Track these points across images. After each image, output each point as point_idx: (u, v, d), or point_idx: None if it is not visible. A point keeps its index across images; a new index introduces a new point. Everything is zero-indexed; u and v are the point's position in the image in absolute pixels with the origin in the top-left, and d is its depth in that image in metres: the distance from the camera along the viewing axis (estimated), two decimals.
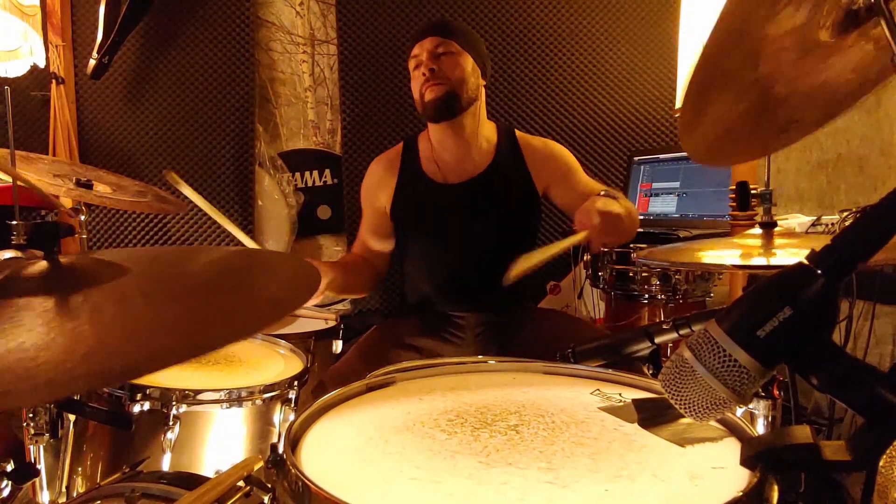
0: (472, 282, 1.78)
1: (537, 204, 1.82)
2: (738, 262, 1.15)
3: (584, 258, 2.30)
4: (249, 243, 1.66)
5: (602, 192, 1.53)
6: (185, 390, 1.18)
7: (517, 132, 1.84)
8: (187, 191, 1.54)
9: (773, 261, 1.08)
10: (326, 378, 1.60)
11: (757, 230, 1.20)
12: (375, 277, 1.87)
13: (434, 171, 1.78)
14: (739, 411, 0.80)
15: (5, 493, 0.94)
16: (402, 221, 1.82)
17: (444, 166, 1.78)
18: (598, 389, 0.98)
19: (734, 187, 1.31)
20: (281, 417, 1.29)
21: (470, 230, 1.75)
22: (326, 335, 1.97)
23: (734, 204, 1.32)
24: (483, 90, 1.78)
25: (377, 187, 1.83)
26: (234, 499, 0.86)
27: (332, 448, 0.78)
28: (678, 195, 2.36)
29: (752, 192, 1.26)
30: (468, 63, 1.71)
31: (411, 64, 1.74)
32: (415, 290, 1.86)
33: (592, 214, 1.36)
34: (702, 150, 1.00)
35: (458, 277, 1.78)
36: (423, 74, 1.68)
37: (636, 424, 0.83)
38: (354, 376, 1.01)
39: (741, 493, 0.61)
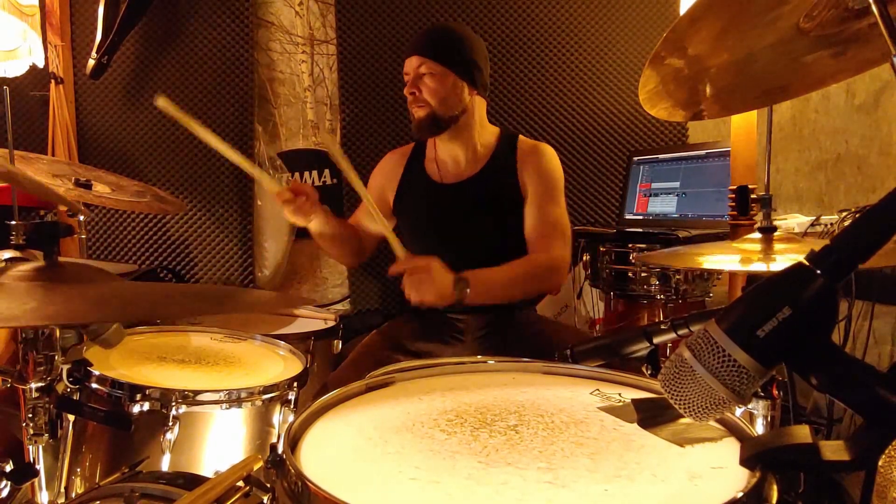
0: None
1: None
2: (738, 267, 1.15)
3: (584, 258, 2.30)
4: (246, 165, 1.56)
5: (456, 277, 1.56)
6: (184, 391, 1.18)
7: (521, 137, 1.86)
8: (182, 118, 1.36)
9: (773, 266, 1.08)
10: (329, 384, 1.61)
11: (756, 234, 1.20)
12: (360, 251, 1.92)
13: (434, 171, 1.84)
14: (739, 411, 0.80)
15: (4, 493, 0.94)
16: (402, 216, 1.88)
17: (443, 167, 1.83)
18: (598, 389, 0.98)
19: (734, 188, 1.32)
20: (280, 418, 1.29)
21: (460, 228, 1.80)
22: (326, 335, 1.97)
23: (733, 205, 1.32)
24: (476, 99, 1.78)
25: (385, 178, 1.92)
26: (233, 499, 0.86)
27: (332, 448, 0.78)
28: (678, 195, 2.36)
29: (752, 196, 1.26)
30: (448, 81, 1.71)
31: (405, 78, 1.79)
32: None
33: (423, 266, 1.51)
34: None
35: None
36: (407, 97, 1.75)
37: (635, 424, 0.83)
38: (355, 381, 1.01)
39: (740, 493, 0.61)
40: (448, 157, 1.82)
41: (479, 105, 1.80)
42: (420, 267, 1.51)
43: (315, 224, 1.73)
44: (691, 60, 0.95)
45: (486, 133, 1.83)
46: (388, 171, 1.92)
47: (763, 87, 1.01)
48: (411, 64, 1.73)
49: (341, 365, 1.76)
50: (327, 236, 1.79)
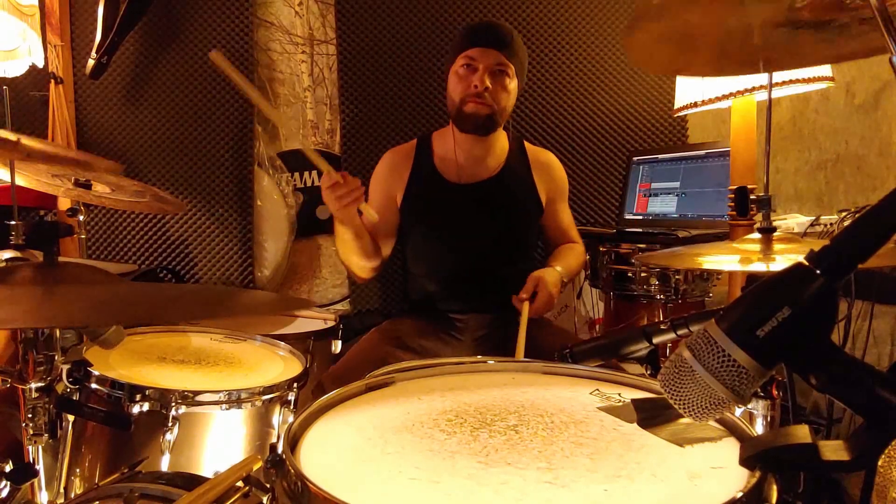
0: (475, 280, 1.80)
1: (541, 212, 1.85)
2: (737, 267, 1.15)
3: None
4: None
5: (556, 267, 1.77)
6: (184, 391, 1.18)
7: (525, 143, 1.90)
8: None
9: (773, 266, 1.08)
10: (325, 379, 1.60)
11: (756, 235, 1.20)
12: (380, 260, 1.83)
13: (447, 170, 1.80)
14: (738, 411, 0.80)
15: (4, 493, 0.94)
16: (412, 216, 1.83)
17: (459, 167, 1.80)
18: (598, 389, 0.98)
19: (733, 189, 1.31)
20: (280, 419, 1.29)
21: (478, 229, 1.79)
22: (325, 335, 1.97)
23: (732, 205, 1.32)
24: None
25: (390, 176, 1.84)
26: (233, 499, 0.86)
27: (332, 448, 0.78)
28: (677, 195, 2.36)
29: (752, 197, 1.25)
30: (515, 89, 1.73)
31: (460, 61, 1.69)
32: (418, 288, 1.88)
33: (547, 287, 1.68)
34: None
35: (461, 275, 1.80)
36: (475, 87, 1.65)
37: (635, 424, 0.83)
38: (354, 377, 1.01)
39: (740, 493, 0.61)
40: (468, 156, 1.79)
41: None
42: (542, 293, 1.68)
43: (351, 222, 1.61)
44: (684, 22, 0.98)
45: (502, 135, 1.84)
46: (394, 169, 1.83)
47: (752, 56, 1.03)
48: (489, 57, 1.65)
49: (339, 361, 1.76)
50: (357, 237, 1.67)
